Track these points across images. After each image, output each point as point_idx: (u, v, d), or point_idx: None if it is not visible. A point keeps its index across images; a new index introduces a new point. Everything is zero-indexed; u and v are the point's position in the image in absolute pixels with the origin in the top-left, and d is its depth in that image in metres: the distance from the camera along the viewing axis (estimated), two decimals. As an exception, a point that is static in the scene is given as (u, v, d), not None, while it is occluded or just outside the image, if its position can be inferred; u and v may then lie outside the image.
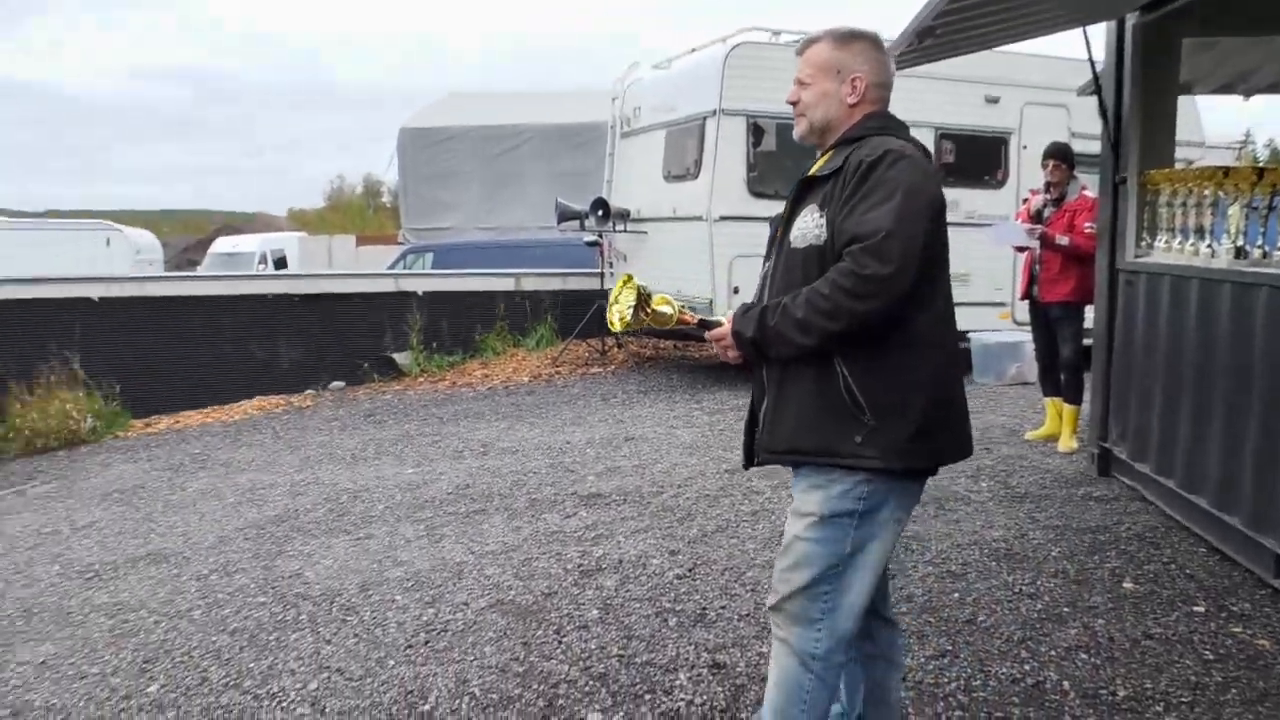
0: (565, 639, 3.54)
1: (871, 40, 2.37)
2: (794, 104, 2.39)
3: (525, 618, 3.75)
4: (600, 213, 9.87)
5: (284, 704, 3.22)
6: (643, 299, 2.36)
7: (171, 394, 9.37)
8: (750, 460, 2.45)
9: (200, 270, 20.91)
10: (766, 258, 2.43)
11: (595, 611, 3.77)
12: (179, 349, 9.66)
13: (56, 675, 3.59)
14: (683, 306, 2.43)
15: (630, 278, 2.39)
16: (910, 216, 2.08)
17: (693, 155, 8.88)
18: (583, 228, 10.28)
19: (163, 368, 9.53)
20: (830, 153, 2.34)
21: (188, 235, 39.70)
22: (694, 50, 9.32)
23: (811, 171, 2.34)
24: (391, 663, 3.45)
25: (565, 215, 10.25)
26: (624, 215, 9.80)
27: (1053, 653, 3.38)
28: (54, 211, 48.77)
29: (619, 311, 2.37)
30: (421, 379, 10.10)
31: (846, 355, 2.16)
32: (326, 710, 3.14)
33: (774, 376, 2.31)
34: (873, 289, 2.06)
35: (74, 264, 10.75)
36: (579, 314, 10.36)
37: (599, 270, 10.36)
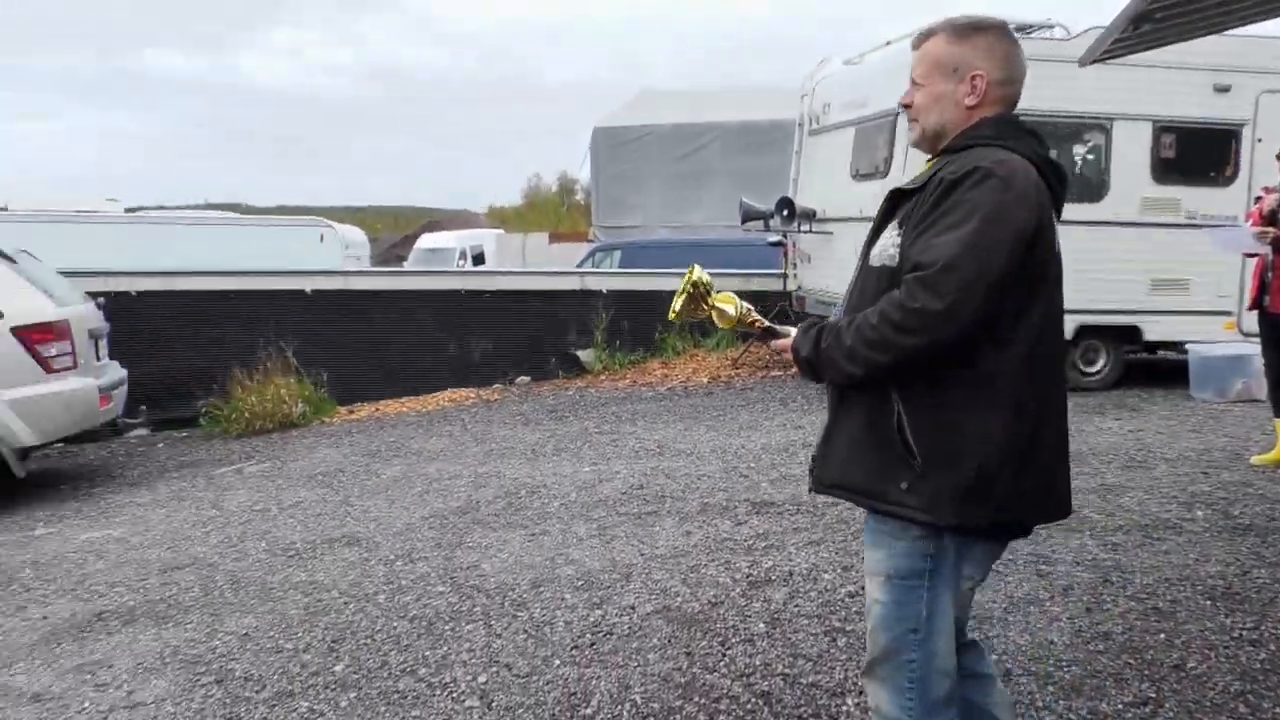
0: (730, 652, 3.48)
1: (997, 31, 2.08)
2: (907, 107, 2.16)
3: (690, 626, 3.71)
4: (785, 212, 9.70)
5: (454, 695, 3.31)
6: (702, 292, 2.24)
7: (373, 383, 9.95)
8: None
9: (406, 265, 22.16)
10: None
11: (762, 625, 3.69)
12: (381, 340, 10.24)
13: (256, 647, 3.84)
14: (748, 309, 2.29)
15: (694, 268, 2.27)
16: (983, 247, 1.84)
17: (882, 152, 8.58)
18: (767, 228, 10.15)
19: (366, 358, 10.13)
20: (932, 162, 2.10)
21: (396, 231, 42.17)
22: (888, 44, 9.00)
23: (902, 183, 2.12)
24: (557, 662, 3.49)
25: (749, 215, 10.14)
26: (809, 215, 9.59)
27: (1278, 710, 3.02)
28: (282, 207, 52.95)
29: (676, 301, 2.26)
30: (604, 377, 10.27)
31: (904, 389, 1.94)
32: (493, 705, 3.21)
33: (832, 401, 2.13)
34: (917, 324, 1.85)
35: (291, 258, 11.59)
36: (762, 315, 10.22)
37: (782, 271, 10.20)
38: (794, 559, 4.40)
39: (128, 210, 15.32)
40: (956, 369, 1.91)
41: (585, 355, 10.56)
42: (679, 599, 3.99)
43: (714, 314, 2.27)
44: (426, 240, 25.48)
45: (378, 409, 9.49)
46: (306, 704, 3.34)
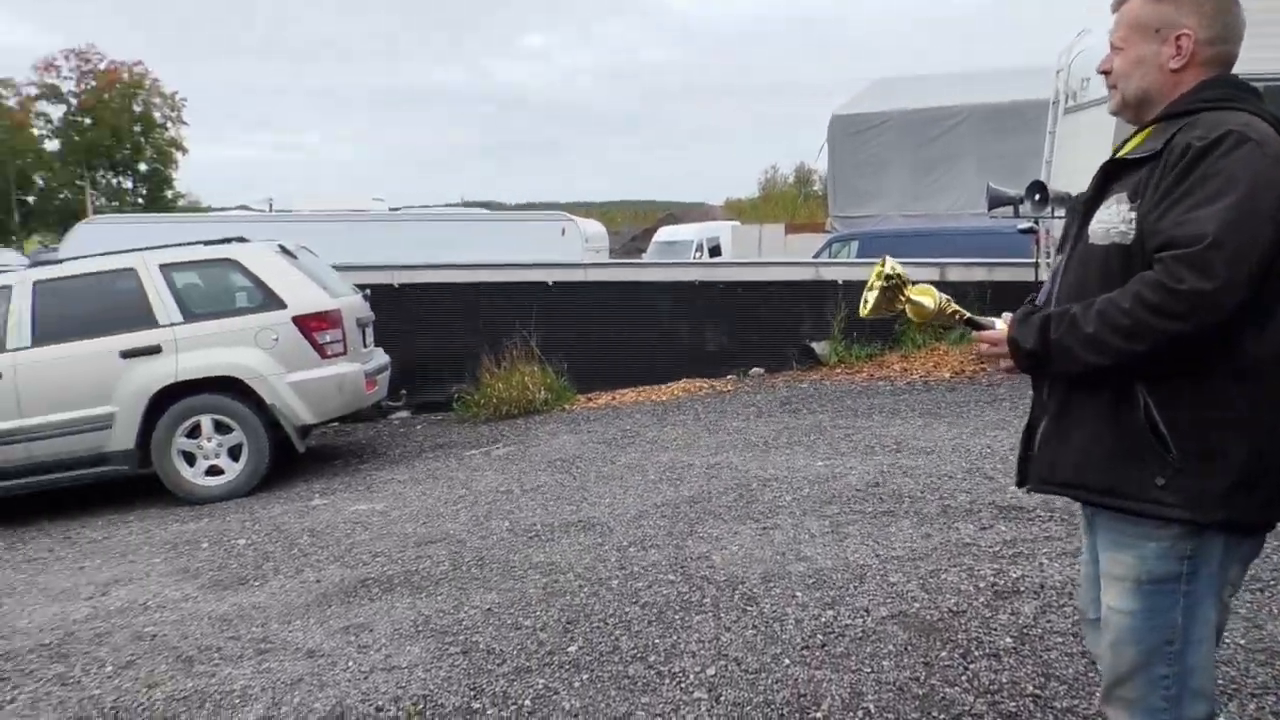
0: (972, 665, 3.26)
1: None
2: (1105, 73, 1.94)
3: (929, 635, 3.51)
4: (1037, 197, 9.04)
5: (683, 685, 3.31)
6: (897, 285, 2.05)
7: (610, 372, 10.22)
8: (1024, 479, 2.07)
9: (644, 258, 22.67)
10: (1059, 250, 2.02)
11: (1009, 639, 3.43)
12: (618, 330, 10.49)
13: (498, 622, 4.02)
14: (948, 300, 2.07)
15: (885, 260, 2.08)
16: (1249, 219, 1.63)
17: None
18: (1016, 214, 9.51)
19: (604, 347, 10.42)
20: (1149, 130, 1.87)
21: (635, 225, 43.26)
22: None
23: (1122, 152, 1.88)
24: (787, 661, 3.41)
25: (997, 201, 9.55)
26: (1064, 199, 8.89)
27: None
28: (529, 204, 55.67)
29: (868, 296, 2.08)
30: (839, 369, 10.02)
31: (1152, 379, 1.74)
32: (721, 699, 3.18)
33: (1057, 394, 1.90)
34: (1186, 308, 1.64)
35: (535, 251, 12.11)
36: (1009, 307, 9.51)
37: (1033, 260, 9.53)
38: (1046, 570, 4.07)
39: (391, 209, 16.61)
40: (1213, 353, 1.72)
41: (820, 347, 10.35)
42: (916, 605, 3.79)
43: (909, 308, 2.12)
44: (664, 233, 25.94)
45: (614, 397, 9.74)
46: (543, 681, 3.44)
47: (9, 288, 7.00)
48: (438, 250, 11.67)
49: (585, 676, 3.45)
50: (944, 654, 3.35)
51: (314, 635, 4.10)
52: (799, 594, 4.00)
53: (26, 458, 6.78)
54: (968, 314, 2.12)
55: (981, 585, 3.93)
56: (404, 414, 10.04)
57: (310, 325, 7.24)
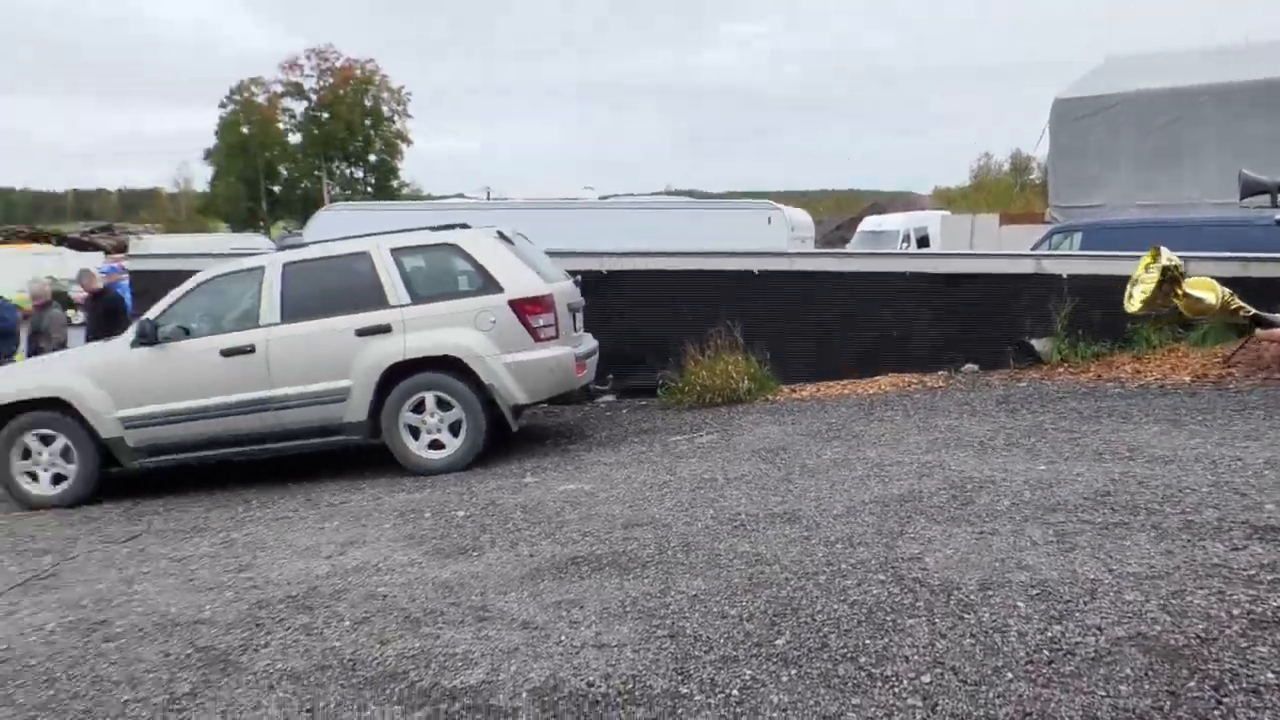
0: (1226, 700, 2.97)
1: None
2: None
3: (1173, 662, 3.23)
4: (1302, 185, 8.15)
5: (896, 690, 3.20)
6: (1174, 277, 1.81)
7: (815, 363, 10.06)
8: None
9: (848, 247, 22.19)
10: None
11: (1270, 675, 3.10)
12: (823, 321, 10.30)
13: (705, 609, 4.03)
14: (1230, 294, 1.81)
15: (1157, 252, 1.84)
16: None
17: None
18: (1274, 204, 8.61)
19: (808, 338, 10.26)
20: None
21: (839, 214, 42.41)
22: None
23: None
24: (1009, 675, 3.23)
25: (1250, 189, 8.69)
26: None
27: None
28: (731, 193, 55.63)
29: (1140, 290, 1.85)
30: (1062, 369, 9.43)
31: None
32: (938, 709, 3.05)
33: None
34: None
35: (740, 239, 12.08)
36: (1267, 306, 8.69)
37: (1295, 254, 8.60)
38: (1312, 599, 3.66)
39: (600, 198, 17.03)
40: None
41: (1041, 344, 9.76)
42: (1158, 627, 3.49)
43: (1183, 303, 1.92)
44: (869, 223, 25.29)
45: (819, 389, 9.58)
46: (750, 672, 3.43)
47: (262, 268, 7.66)
48: (645, 238, 11.84)
49: (793, 671, 3.40)
50: (1192, 684, 3.07)
51: (528, 607, 4.25)
52: (1021, 605, 3.79)
53: (277, 424, 7.42)
54: (1254, 310, 1.91)
55: (1235, 612, 3.58)
56: (610, 398, 10.28)
57: (525, 309, 7.52)
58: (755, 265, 10.57)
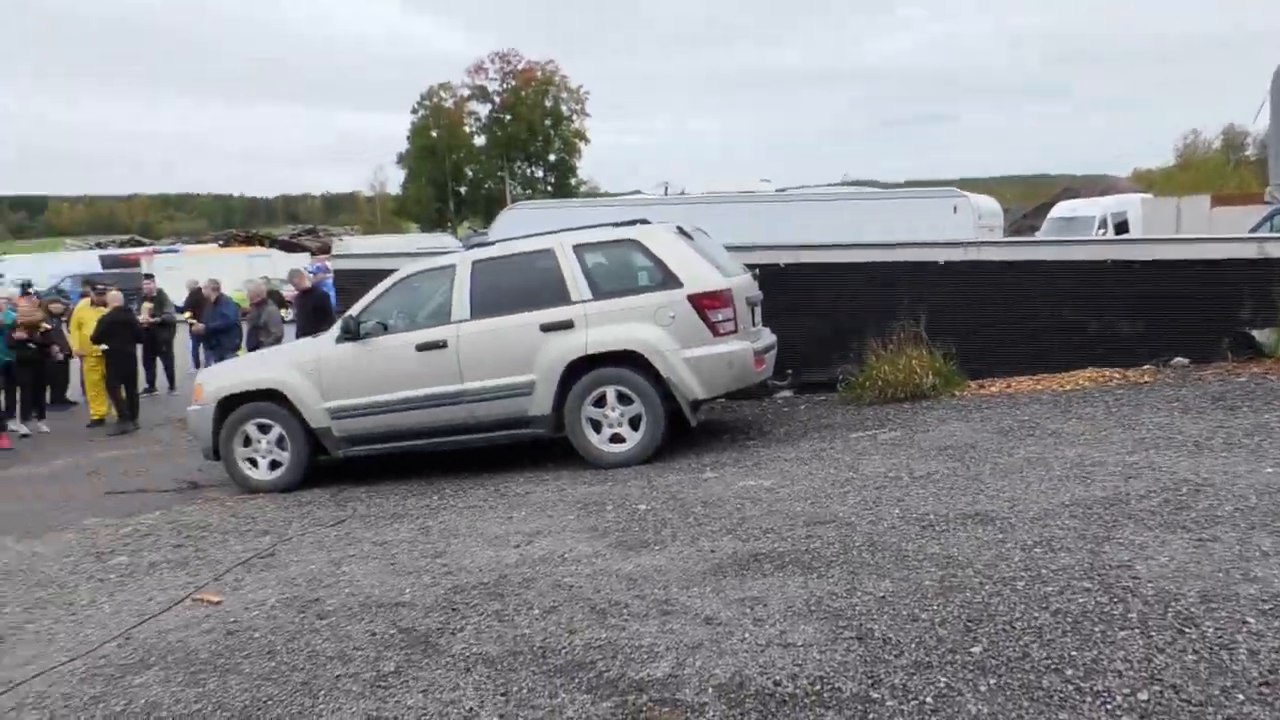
0: None
1: None
2: None
3: None
4: None
5: (1108, 706, 3.00)
6: None
7: (1004, 358, 9.58)
8: None
9: (1039, 235, 21.03)
10: None
11: None
12: (1014, 314, 9.79)
13: (894, 612, 3.91)
14: None
15: None
16: None
17: None
18: None
19: (997, 331, 9.78)
20: None
21: (1028, 201, 40.28)
22: None
23: None
24: (1240, 696, 2.96)
25: None
26: None
27: None
28: (911, 181, 53.91)
29: None
30: (1286, 362, 8.59)
31: None
32: (1158, 730, 2.83)
33: None
34: None
35: (924, 229, 11.65)
36: None
37: None
38: None
39: (778, 190, 16.84)
40: None
41: (1263, 336, 8.92)
42: None
43: None
44: (1062, 208, 23.88)
45: (1009, 385, 9.12)
46: (944, 679, 3.29)
47: (453, 267, 8.00)
48: (824, 230, 11.62)
49: (992, 681, 3.25)
50: None
51: (711, 603, 4.25)
52: (1251, 620, 3.47)
53: (467, 417, 7.74)
54: None
55: None
56: (788, 393, 10.15)
57: (704, 304, 7.53)
58: (940, 255, 10.17)
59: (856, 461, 6.69)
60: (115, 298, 12.48)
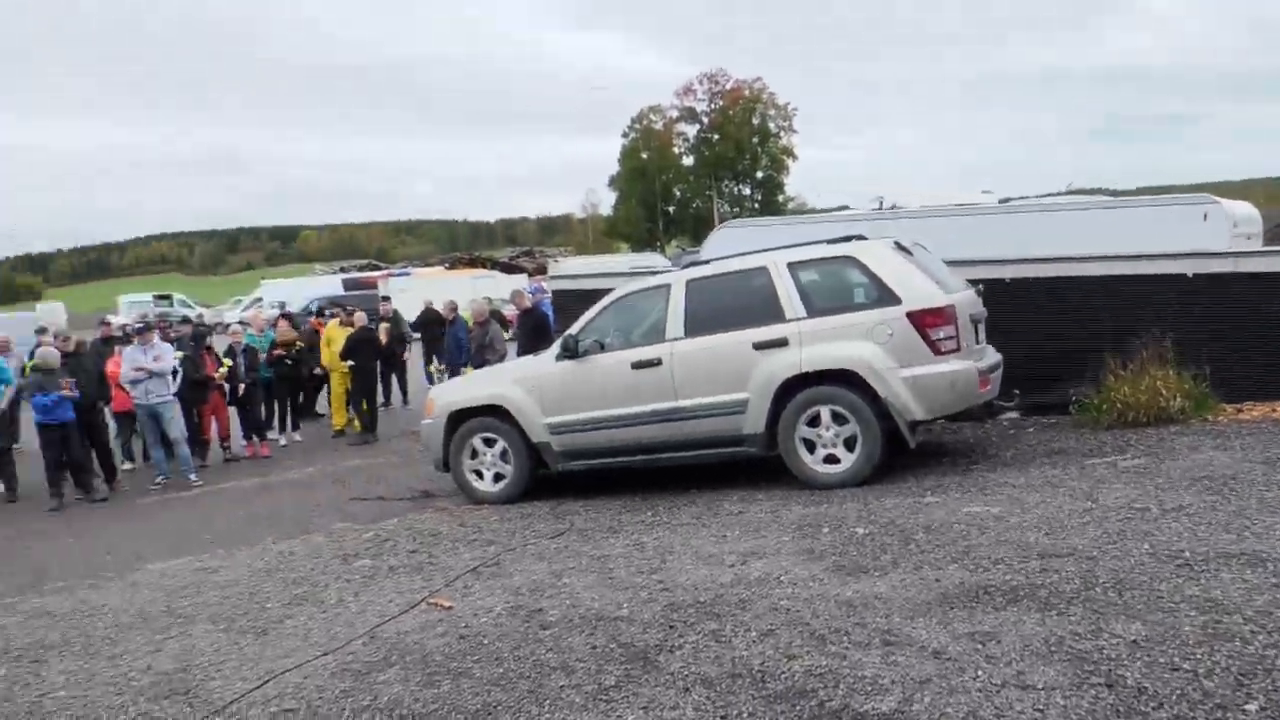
0: None
1: None
2: None
3: None
4: None
5: None
6: None
7: (1268, 379, 8.64)
8: None
9: (1301, 242, 18.85)
10: None
11: None
12: (1277, 331, 8.81)
13: (1148, 659, 3.58)
14: None
15: None
16: None
17: None
18: None
19: (1259, 350, 8.83)
20: None
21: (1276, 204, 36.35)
22: None
23: None
24: None
25: None
26: None
27: None
28: (1144, 188, 49.97)
29: None
30: None
31: None
32: None
33: None
34: None
35: (1169, 239, 10.69)
36: None
37: None
38: None
39: (1001, 201, 16.00)
40: None
41: None
42: None
43: None
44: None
45: (1274, 410, 8.22)
46: (1212, 738, 2.97)
47: (667, 286, 8.10)
48: (1054, 242, 10.89)
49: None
50: None
51: (938, 635, 4.05)
52: None
53: (681, 434, 7.80)
54: None
55: None
56: (1013, 415, 9.58)
57: (924, 321, 7.24)
58: (1189, 267, 9.31)
59: (1095, 490, 6.21)
60: (360, 318, 13.53)
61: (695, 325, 7.83)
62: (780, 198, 77.40)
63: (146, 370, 10.74)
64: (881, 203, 15.29)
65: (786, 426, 7.48)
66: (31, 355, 12.71)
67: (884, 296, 7.39)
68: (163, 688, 4.57)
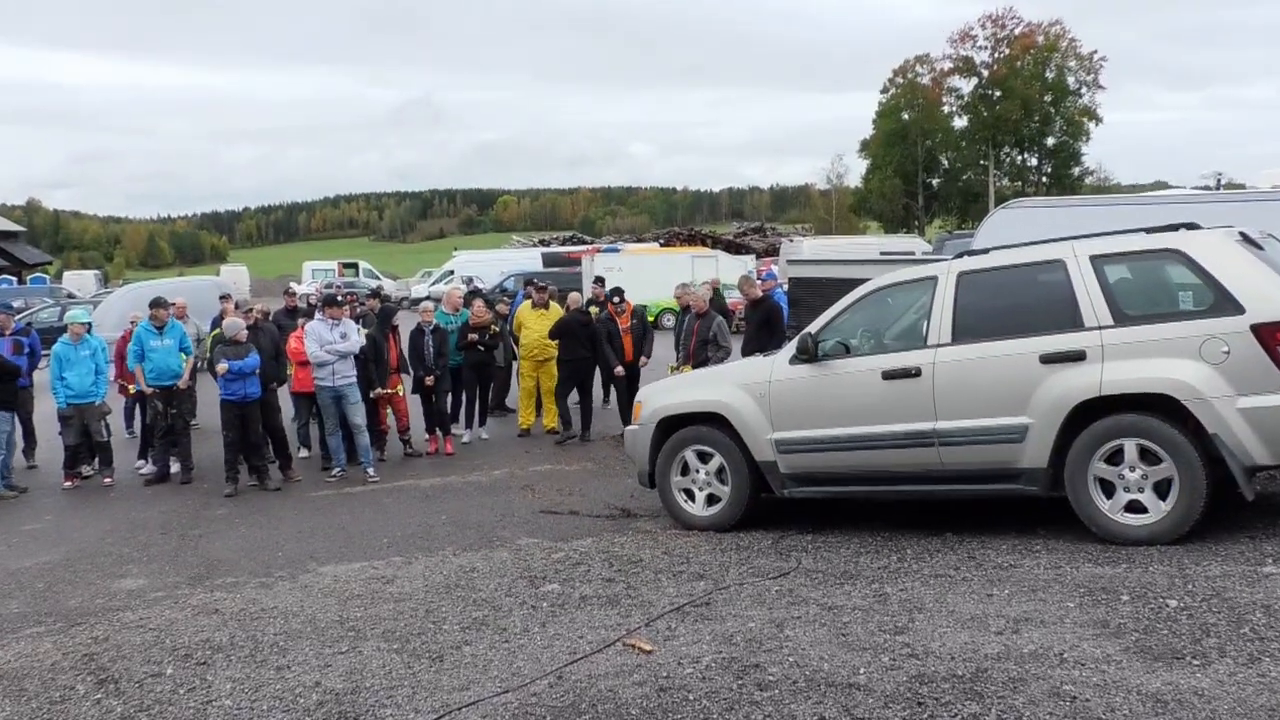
0: None
1: None
2: None
3: None
4: None
5: None
6: None
7: None
8: None
9: None
10: None
11: None
12: None
13: None
14: None
15: None
16: None
17: None
18: None
19: None
20: None
21: None
22: None
23: None
24: None
25: None
26: None
27: None
28: None
29: None
30: None
31: None
32: None
33: None
34: None
35: None
36: None
37: None
38: None
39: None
40: None
41: None
42: None
43: None
44: None
45: None
46: None
47: (934, 279, 7.84)
48: None
49: None
50: None
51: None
52: None
53: (938, 463, 7.54)
54: None
55: None
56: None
57: (1276, 339, 6.64)
58: None
59: None
60: (575, 298, 13.90)
61: (966, 329, 7.55)
62: (1076, 171, 73.69)
63: (337, 351, 11.52)
64: (1219, 180, 14.20)
65: (1077, 462, 7.08)
66: (215, 325, 14.01)
67: (1220, 303, 6.84)
68: (331, 709, 4.88)
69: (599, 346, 13.46)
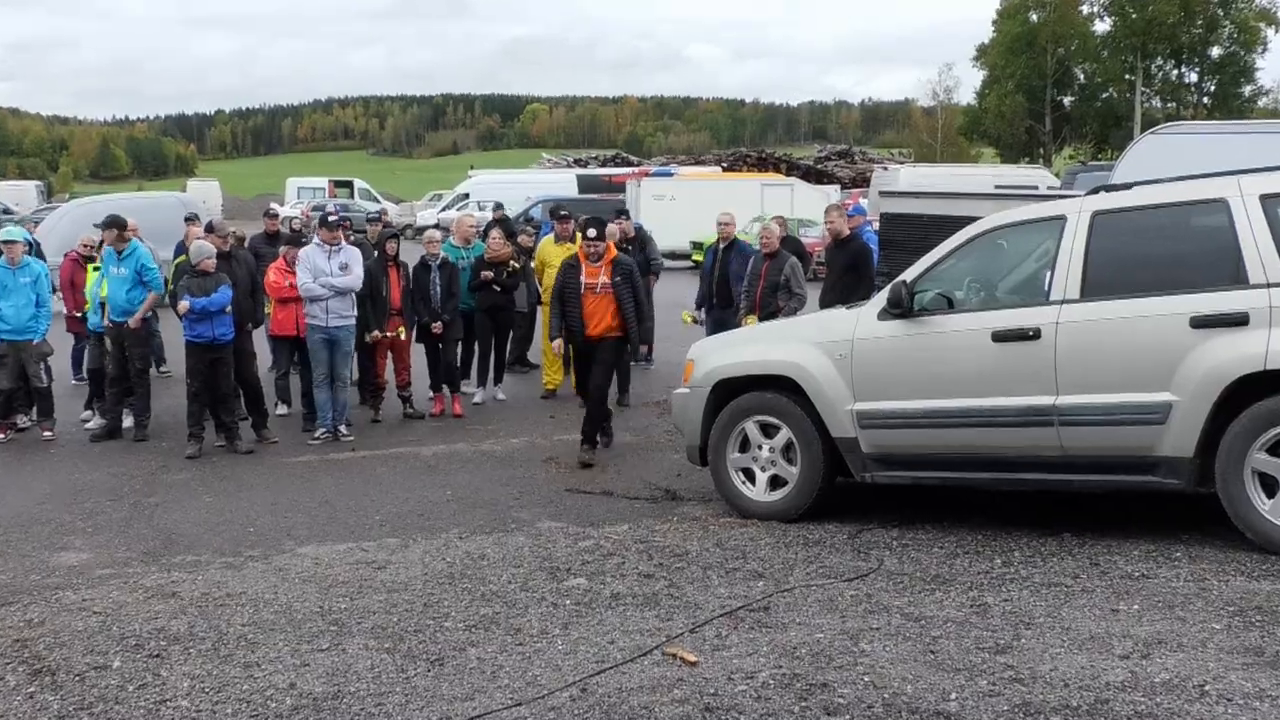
0: None
1: None
2: None
3: None
4: None
5: None
6: None
7: None
8: None
9: None
10: None
11: None
12: None
13: None
14: None
15: None
16: None
17: None
18: None
19: None
20: None
21: None
22: None
23: None
24: None
25: None
26: None
27: None
28: None
29: None
30: None
31: None
32: None
33: None
34: None
35: None
36: None
37: None
38: None
39: None
40: None
41: None
42: None
43: None
44: None
45: None
46: None
47: (1062, 219, 7.74)
48: None
49: None
50: None
51: None
52: None
53: (1056, 446, 7.48)
54: None
55: None
56: None
57: None
58: None
59: None
60: (612, 232, 13.71)
61: (1098, 283, 7.46)
62: (1247, 90, 72.34)
63: (333, 286, 11.47)
64: None
65: (1232, 452, 7.00)
66: (179, 252, 13.97)
67: None
68: (308, 716, 4.96)
69: (638, 292, 11.57)
